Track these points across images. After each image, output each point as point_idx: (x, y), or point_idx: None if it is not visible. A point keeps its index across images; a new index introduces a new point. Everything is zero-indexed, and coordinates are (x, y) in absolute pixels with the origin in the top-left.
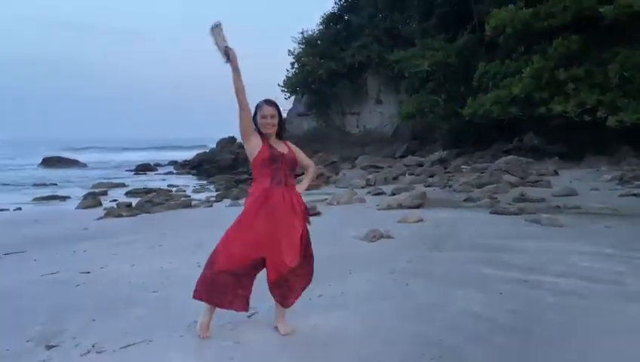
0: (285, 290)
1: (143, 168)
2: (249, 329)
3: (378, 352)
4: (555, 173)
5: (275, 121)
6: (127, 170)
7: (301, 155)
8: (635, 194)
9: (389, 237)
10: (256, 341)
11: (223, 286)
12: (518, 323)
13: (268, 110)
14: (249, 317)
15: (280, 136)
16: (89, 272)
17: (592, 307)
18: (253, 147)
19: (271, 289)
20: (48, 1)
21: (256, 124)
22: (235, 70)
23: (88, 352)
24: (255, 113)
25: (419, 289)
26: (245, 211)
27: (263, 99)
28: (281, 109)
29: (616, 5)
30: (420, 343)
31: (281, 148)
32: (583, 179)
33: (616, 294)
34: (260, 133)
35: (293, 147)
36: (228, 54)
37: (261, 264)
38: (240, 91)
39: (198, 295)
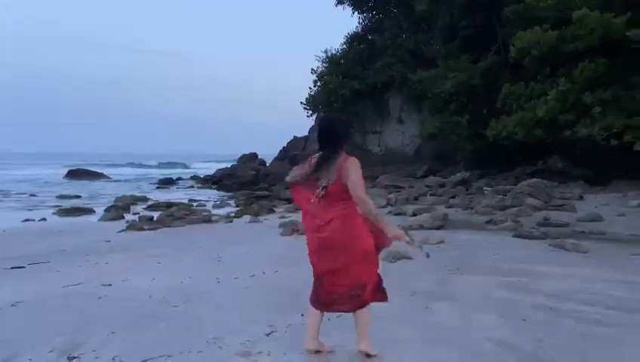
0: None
1: (165, 182)
2: (268, 346)
3: None
4: (581, 197)
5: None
6: (150, 184)
7: None
8: None
9: (409, 258)
10: (276, 359)
11: None
12: (544, 352)
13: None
14: (267, 335)
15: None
16: (111, 285)
17: (620, 338)
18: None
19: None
20: (91, 24)
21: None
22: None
23: None
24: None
25: (440, 312)
26: None
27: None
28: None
29: None
30: None
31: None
32: (610, 204)
33: None
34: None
35: None
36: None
37: None
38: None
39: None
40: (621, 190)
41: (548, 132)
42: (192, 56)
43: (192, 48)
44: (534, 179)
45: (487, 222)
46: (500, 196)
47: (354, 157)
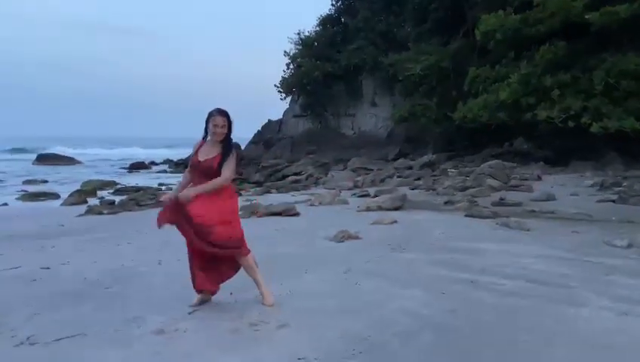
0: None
1: (137, 166)
2: (187, 324)
3: (304, 347)
4: (539, 177)
5: (224, 130)
6: (121, 168)
7: (227, 165)
8: (612, 200)
9: (357, 237)
10: (187, 336)
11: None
12: (451, 321)
13: (219, 120)
14: (190, 314)
15: (224, 142)
16: (49, 268)
17: (529, 308)
18: None
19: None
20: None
21: (207, 131)
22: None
23: (21, 344)
24: (208, 121)
25: (367, 288)
26: None
27: (216, 108)
28: (231, 118)
29: (603, 12)
30: (348, 339)
31: (209, 154)
32: (566, 184)
33: (558, 296)
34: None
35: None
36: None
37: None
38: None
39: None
40: (579, 170)
41: (510, 115)
42: (156, 32)
43: (157, 24)
44: (495, 161)
45: (445, 203)
46: (463, 177)
47: None
